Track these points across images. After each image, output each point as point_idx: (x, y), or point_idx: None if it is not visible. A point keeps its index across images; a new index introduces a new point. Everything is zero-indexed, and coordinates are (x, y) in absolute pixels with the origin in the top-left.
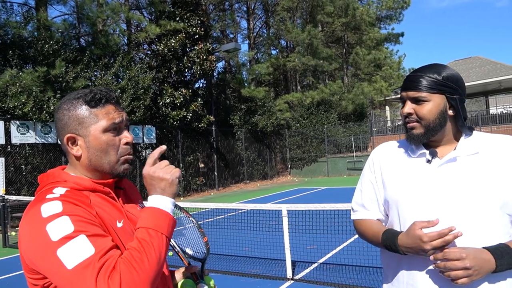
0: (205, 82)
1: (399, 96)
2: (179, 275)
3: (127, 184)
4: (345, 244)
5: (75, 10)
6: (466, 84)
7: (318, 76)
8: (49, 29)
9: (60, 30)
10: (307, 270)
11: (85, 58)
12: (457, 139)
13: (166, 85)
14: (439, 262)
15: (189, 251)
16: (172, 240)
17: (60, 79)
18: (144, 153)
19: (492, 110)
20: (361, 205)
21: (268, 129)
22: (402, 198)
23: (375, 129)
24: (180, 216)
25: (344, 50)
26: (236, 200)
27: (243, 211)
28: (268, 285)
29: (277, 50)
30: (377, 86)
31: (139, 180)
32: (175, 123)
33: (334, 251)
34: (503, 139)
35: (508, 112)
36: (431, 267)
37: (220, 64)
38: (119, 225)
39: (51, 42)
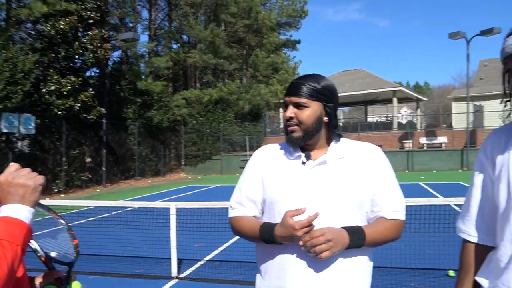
0: (98, 71)
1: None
2: (40, 281)
3: None
4: (232, 240)
5: None
6: (350, 93)
7: (217, 74)
8: None
9: None
10: (193, 268)
11: None
12: (328, 144)
13: (51, 70)
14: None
15: (54, 254)
16: (35, 242)
17: None
18: (19, 144)
19: (370, 118)
20: (239, 203)
21: (164, 125)
22: (279, 197)
23: (269, 130)
24: (48, 217)
25: (245, 52)
26: (124, 197)
27: (130, 209)
28: (152, 285)
29: (178, 45)
30: (273, 88)
31: None
32: (60, 113)
33: (221, 248)
34: (364, 146)
35: (382, 121)
36: (300, 261)
37: (116, 54)
38: None
39: None
